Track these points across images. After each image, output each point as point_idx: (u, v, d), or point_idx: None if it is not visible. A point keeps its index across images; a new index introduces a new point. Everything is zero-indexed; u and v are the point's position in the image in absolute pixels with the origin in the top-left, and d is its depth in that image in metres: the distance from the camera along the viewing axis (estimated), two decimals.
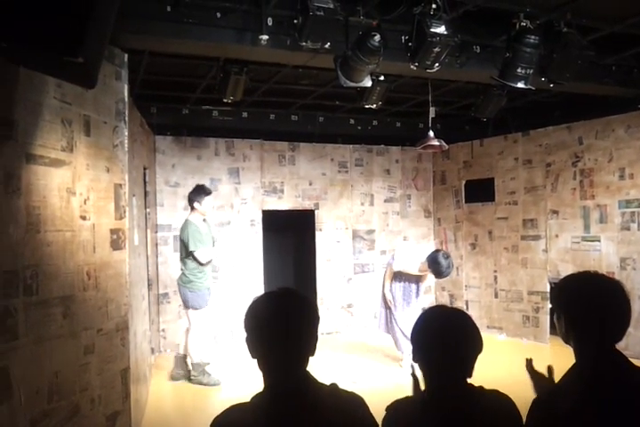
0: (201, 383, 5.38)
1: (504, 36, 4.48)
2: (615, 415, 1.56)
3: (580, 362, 1.70)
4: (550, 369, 1.89)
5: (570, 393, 1.62)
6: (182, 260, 5.40)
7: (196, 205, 5.39)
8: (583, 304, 1.71)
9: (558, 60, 4.43)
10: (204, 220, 5.53)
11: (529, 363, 1.94)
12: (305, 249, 8.19)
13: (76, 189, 3.18)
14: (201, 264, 5.33)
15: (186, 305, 5.41)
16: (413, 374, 1.82)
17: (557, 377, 1.78)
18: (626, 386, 1.59)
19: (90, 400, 3.26)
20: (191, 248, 5.26)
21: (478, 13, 4.36)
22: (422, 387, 1.75)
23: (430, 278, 6.05)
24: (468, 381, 1.68)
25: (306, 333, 1.55)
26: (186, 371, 5.51)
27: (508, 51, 4.36)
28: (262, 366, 1.54)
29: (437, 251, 5.79)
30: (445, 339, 1.66)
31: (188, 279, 5.34)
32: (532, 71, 4.38)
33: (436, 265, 5.56)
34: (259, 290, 6.72)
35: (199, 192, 5.44)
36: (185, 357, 5.53)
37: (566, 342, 1.75)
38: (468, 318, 1.75)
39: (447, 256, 5.63)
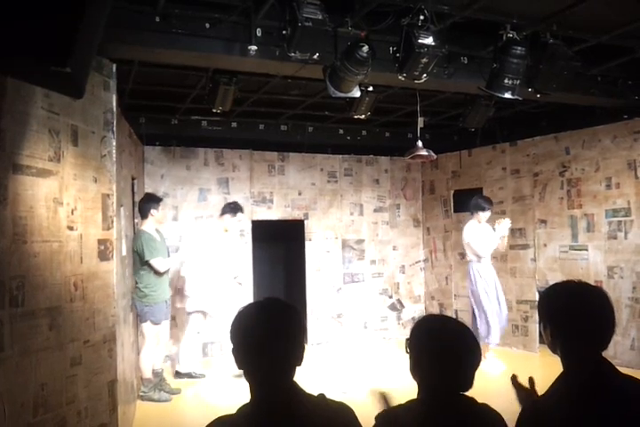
0: (151, 400, 5.19)
1: (491, 48, 4.53)
2: (605, 424, 1.56)
3: (568, 371, 1.70)
4: (532, 381, 1.88)
5: (558, 403, 1.62)
6: (137, 273, 5.18)
7: (153, 212, 5.29)
8: (568, 313, 1.71)
9: (545, 71, 4.47)
10: (157, 230, 5.44)
11: (514, 378, 1.91)
12: (294, 259, 8.17)
13: (64, 199, 3.16)
14: (157, 273, 5.19)
15: (142, 319, 5.22)
16: (381, 393, 1.80)
17: (542, 386, 1.78)
18: (614, 394, 1.60)
19: (76, 413, 3.22)
20: (146, 257, 5.11)
21: (465, 25, 4.41)
22: (391, 400, 1.74)
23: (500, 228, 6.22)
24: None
25: (292, 342, 1.55)
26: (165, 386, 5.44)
27: (495, 62, 4.40)
28: (249, 376, 1.53)
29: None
30: (443, 353, 1.64)
31: (143, 293, 5.15)
32: (518, 82, 4.42)
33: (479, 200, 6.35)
34: (248, 301, 6.69)
35: (152, 200, 5.40)
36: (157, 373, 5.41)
37: (553, 351, 1.75)
38: (467, 328, 1.74)
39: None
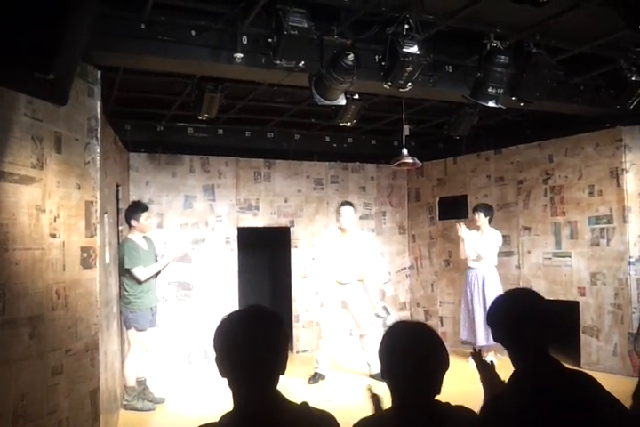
0: (135, 409, 5.12)
1: (475, 56, 4.56)
2: (558, 414, 1.68)
3: (516, 372, 1.84)
4: (492, 364, 2.10)
5: (513, 400, 1.76)
6: (121, 280, 5.15)
7: (133, 222, 5.24)
8: (503, 320, 1.92)
9: (528, 80, 4.52)
10: (145, 237, 5.40)
11: (477, 354, 2.16)
12: (280, 266, 8.15)
13: (46, 206, 3.13)
14: (139, 282, 5.13)
15: (126, 326, 5.17)
16: (373, 394, 1.84)
17: None
18: (562, 388, 1.73)
19: (57, 423, 3.17)
20: (126, 266, 5.08)
21: (450, 34, 4.44)
22: (383, 405, 1.77)
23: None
24: (437, 397, 1.69)
25: (276, 351, 1.54)
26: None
27: (479, 70, 4.44)
28: (232, 385, 1.52)
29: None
30: (412, 355, 1.68)
31: (127, 300, 5.13)
32: (502, 90, 4.46)
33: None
34: (234, 308, 6.64)
35: (134, 209, 5.34)
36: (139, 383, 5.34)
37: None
38: (434, 333, 1.78)
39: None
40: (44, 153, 3.12)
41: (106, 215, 4.14)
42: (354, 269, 6.21)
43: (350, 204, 6.35)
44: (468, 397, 1.97)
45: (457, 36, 4.57)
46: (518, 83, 4.55)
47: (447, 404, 1.68)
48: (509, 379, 1.87)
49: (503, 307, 1.96)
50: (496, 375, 2.04)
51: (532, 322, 1.86)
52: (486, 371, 2.04)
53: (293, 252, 7.61)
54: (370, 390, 1.86)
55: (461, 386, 2.08)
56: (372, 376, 6.04)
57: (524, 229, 6.88)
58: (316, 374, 6.04)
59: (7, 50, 1.95)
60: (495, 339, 1.96)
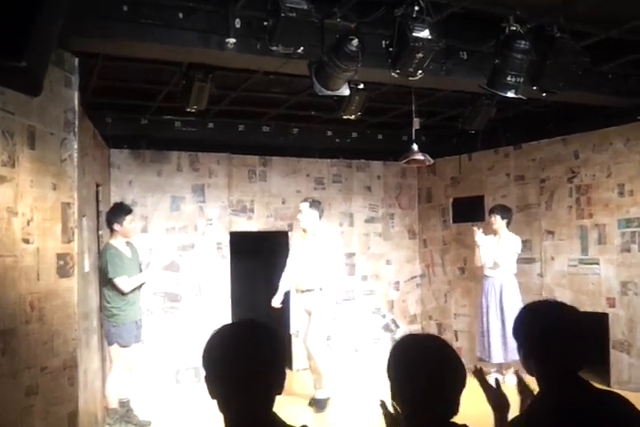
0: None
1: (492, 42, 4.56)
2: None
3: (544, 393, 1.83)
4: (497, 382, 2.09)
5: (536, 423, 1.75)
6: (103, 290, 5.15)
7: (115, 226, 5.24)
8: (540, 336, 1.87)
9: (551, 67, 4.51)
10: (128, 243, 5.40)
11: (478, 371, 2.13)
12: (277, 275, 8.12)
13: (19, 208, 3.13)
14: (123, 294, 5.13)
15: (109, 341, 5.15)
16: (387, 412, 1.84)
17: None
18: (591, 412, 1.72)
19: None
20: (110, 275, 5.07)
21: (465, 16, 4.45)
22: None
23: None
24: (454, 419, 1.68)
25: (271, 368, 1.53)
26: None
27: (496, 57, 4.43)
28: (222, 407, 1.51)
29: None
30: (422, 368, 1.66)
31: (110, 313, 5.12)
32: (522, 79, 4.45)
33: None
34: (226, 321, 6.64)
35: (117, 212, 5.34)
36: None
37: (528, 372, 1.90)
38: (446, 344, 1.77)
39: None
40: (16, 149, 3.12)
41: (84, 219, 4.13)
42: (313, 276, 6.04)
43: (311, 200, 6.22)
44: (487, 418, 1.97)
45: (472, 19, 4.57)
46: (540, 71, 4.54)
47: (463, 426, 1.67)
48: (534, 399, 1.86)
49: (528, 317, 1.94)
50: (503, 395, 2.02)
51: (564, 343, 1.84)
52: (492, 390, 2.03)
53: None
54: (383, 406, 1.84)
55: (479, 407, 2.06)
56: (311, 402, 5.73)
57: (546, 234, 6.87)
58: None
59: None
60: (522, 357, 1.93)
